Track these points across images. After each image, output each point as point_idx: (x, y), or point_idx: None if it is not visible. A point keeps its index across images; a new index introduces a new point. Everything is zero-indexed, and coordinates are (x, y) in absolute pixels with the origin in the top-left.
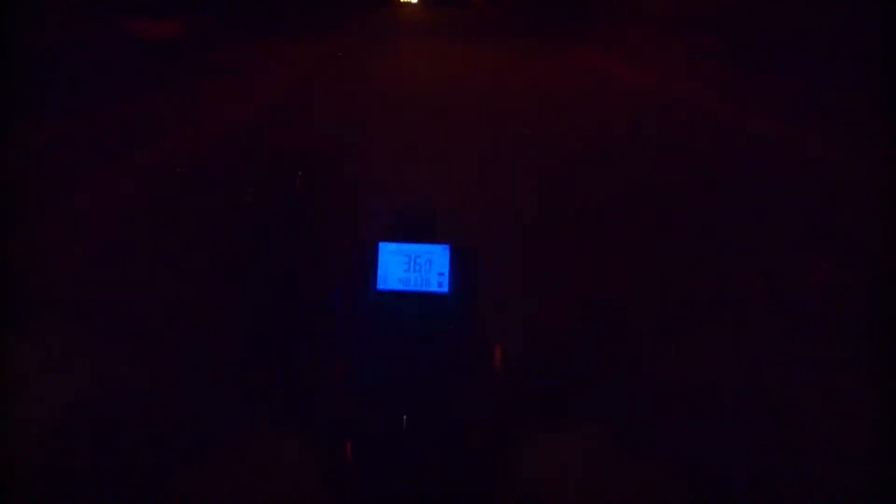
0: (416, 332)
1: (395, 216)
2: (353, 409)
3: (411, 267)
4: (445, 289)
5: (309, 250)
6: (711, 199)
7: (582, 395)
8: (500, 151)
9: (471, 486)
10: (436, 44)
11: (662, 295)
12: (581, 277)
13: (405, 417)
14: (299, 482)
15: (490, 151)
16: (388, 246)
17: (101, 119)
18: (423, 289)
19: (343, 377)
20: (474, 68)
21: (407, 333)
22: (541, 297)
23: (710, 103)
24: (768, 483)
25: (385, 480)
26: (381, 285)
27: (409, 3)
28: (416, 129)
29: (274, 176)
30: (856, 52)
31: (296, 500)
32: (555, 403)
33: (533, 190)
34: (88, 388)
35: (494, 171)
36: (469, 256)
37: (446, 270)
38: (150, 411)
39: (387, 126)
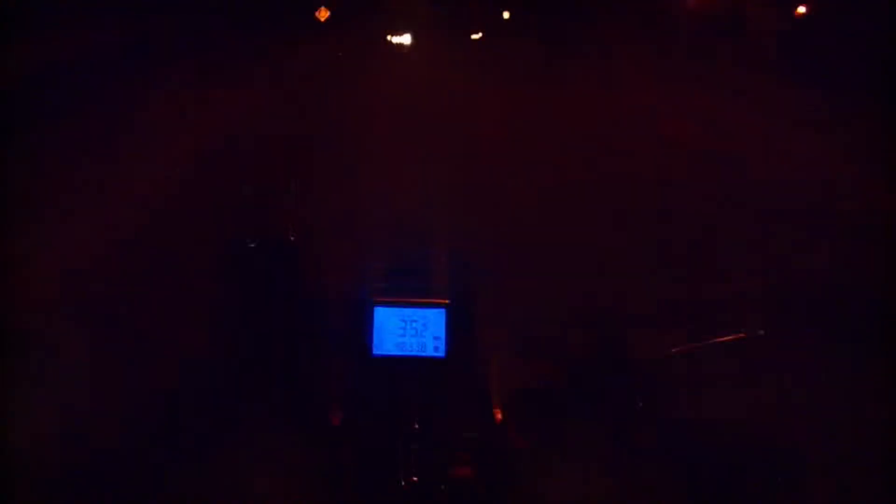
0: (413, 392)
1: (390, 261)
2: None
3: (407, 331)
4: (442, 353)
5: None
6: (713, 214)
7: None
8: (502, 179)
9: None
10: (436, 74)
11: (664, 319)
12: (582, 296)
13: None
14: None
15: (491, 181)
16: (383, 310)
17: (94, 128)
18: (420, 353)
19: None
20: (474, 97)
21: (404, 394)
22: (541, 314)
23: (708, 118)
24: (768, 484)
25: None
26: (376, 350)
27: (402, 45)
28: (413, 161)
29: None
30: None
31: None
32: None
33: (533, 211)
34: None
35: (493, 196)
36: (466, 315)
37: (442, 334)
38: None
39: (383, 158)
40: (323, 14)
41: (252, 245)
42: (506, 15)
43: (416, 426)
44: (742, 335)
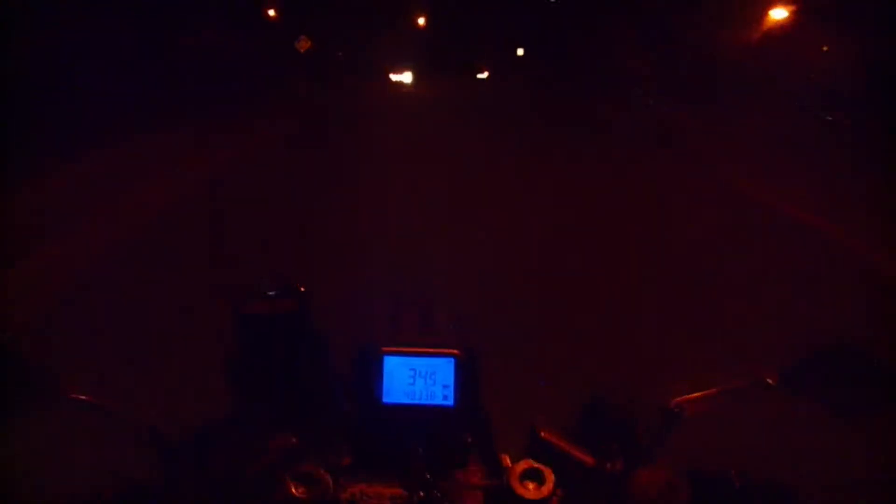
0: (421, 439)
1: (395, 307)
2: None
3: (416, 380)
4: (451, 402)
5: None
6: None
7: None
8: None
9: None
10: (443, 120)
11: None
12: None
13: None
14: None
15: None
16: (392, 359)
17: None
18: (429, 402)
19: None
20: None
21: (412, 441)
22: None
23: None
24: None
25: None
26: (385, 398)
27: (403, 83)
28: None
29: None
30: None
31: None
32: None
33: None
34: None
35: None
36: (474, 364)
37: (451, 383)
38: None
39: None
40: (304, 45)
41: (271, 293)
42: (520, 52)
43: (427, 474)
44: (749, 382)
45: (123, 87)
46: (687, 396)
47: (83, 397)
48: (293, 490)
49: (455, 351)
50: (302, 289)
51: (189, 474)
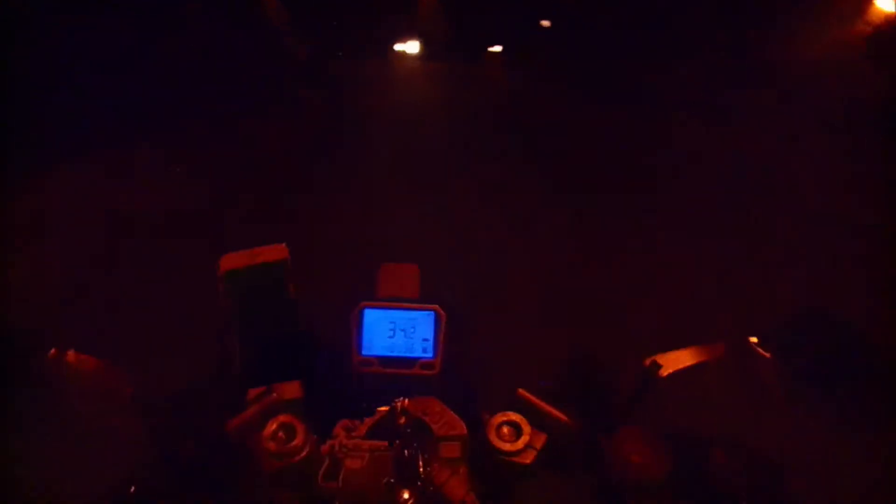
0: (399, 392)
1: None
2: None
3: (396, 333)
4: (430, 355)
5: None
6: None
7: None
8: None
9: None
10: (439, 97)
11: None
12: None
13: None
14: None
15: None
16: (372, 312)
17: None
18: (408, 355)
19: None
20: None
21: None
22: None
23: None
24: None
25: None
26: (365, 351)
27: (406, 54)
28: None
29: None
30: None
31: None
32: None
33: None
34: None
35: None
36: (455, 320)
37: (431, 336)
38: None
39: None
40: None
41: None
42: (545, 23)
43: (405, 427)
44: (729, 342)
45: (122, 87)
46: (662, 354)
47: (65, 357)
48: (268, 445)
49: (434, 305)
50: (284, 246)
51: (171, 434)
